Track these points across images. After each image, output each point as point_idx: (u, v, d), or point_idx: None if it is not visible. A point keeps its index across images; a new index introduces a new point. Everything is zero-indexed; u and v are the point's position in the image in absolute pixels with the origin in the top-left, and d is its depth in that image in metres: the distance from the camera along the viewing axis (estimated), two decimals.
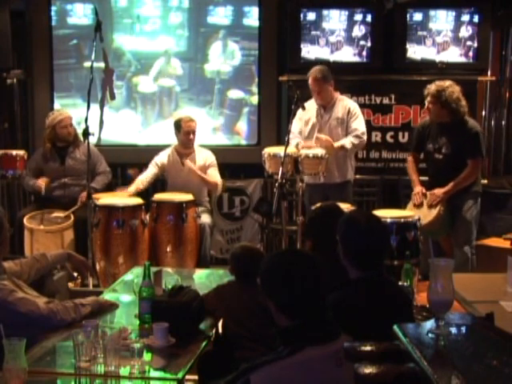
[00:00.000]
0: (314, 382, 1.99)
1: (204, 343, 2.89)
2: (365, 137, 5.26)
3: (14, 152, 5.30)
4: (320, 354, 2.02)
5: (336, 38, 6.15)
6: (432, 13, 6.12)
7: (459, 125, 4.90)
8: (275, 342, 2.13)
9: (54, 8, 6.41)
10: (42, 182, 5.42)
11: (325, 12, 6.15)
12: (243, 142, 6.58)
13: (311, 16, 6.16)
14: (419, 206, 4.98)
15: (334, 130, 5.26)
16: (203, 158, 5.57)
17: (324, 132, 5.25)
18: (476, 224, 5.05)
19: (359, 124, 5.26)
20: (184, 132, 5.48)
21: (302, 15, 6.15)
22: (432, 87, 4.90)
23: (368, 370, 2.07)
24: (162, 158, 5.61)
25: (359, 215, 2.96)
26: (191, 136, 5.50)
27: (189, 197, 5.29)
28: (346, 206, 4.45)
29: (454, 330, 2.19)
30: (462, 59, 6.13)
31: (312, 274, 2.11)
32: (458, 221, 4.97)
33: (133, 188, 5.46)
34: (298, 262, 2.15)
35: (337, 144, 5.14)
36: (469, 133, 4.89)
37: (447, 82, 4.92)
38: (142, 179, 5.53)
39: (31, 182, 5.50)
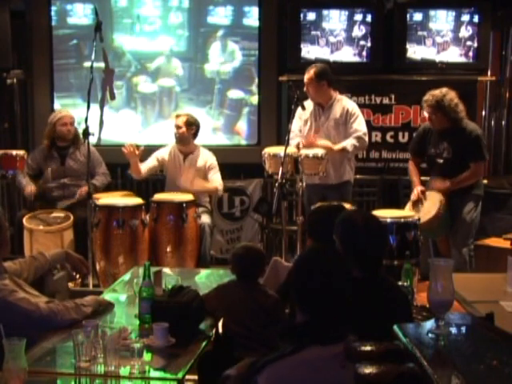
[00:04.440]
0: (317, 382, 1.99)
1: (204, 343, 2.89)
2: (366, 137, 5.23)
3: (14, 152, 5.29)
4: (322, 354, 2.01)
5: (336, 38, 6.15)
6: (432, 13, 6.12)
7: (459, 129, 4.91)
8: (280, 340, 2.13)
9: (53, 8, 6.41)
10: (31, 191, 5.41)
11: (325, 12, 6.15)
12: (243, 142, 6.58)
13: (311, 16, 6.16)
14: (416, 202, 4.99)
15: (331, 131, 5.24)
16: (204, 159, 5.56)
17: (321, 133, 5.23)
18: (475, 227, 5.04)
19: (360, 125, 5.21)
20: (174, 127, 5.49)
21: (302, 15, 6.15)
22: (429, 98, 4.89)
23: (368, 370, 2.07)
24: (162, 153, 5.60)
25: (357, 215, 2.96)
26: (179, 130, 5.46)
27: (189, 197, 5.29)
28: (345, 206, 4.44)
29: (454, 330, 2.20)
30: (462, 59, 6.13)
31: (332, 273, 2.11)
32: (458, 222, 4.97)
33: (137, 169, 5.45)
34: (323, 260, 2.15)
35: (337, 147, 5.12)
36: (469, 136, 4.89)
37: (443, 90, 4.91)
38: (143, 167, 5.50)
39: (23, 181, 5.48)
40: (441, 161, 4.98)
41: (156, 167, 5.61)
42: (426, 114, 5.02)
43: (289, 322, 2.17)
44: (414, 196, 5.04)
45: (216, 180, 5.51)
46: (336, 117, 5.25)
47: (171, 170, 5.60)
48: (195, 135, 5.54)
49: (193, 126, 5.50)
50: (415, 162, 5.21)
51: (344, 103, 5.30)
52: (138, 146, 5.39)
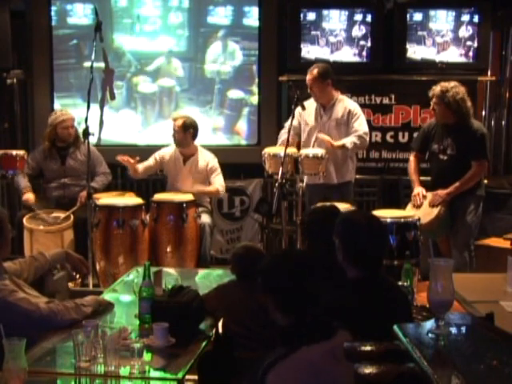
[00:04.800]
0: (315, 380, 2.00)
1: (204, 343, 2.89)
2: (367, 137, 5.22)
3: (14, 152, 5.29)
4: (317, 351, 2.03)
5: (336, 38, 6.15)
6: (432, 13, 6.12)
7: (464, 126, 4.88)
8: (275, 342, 2.14)
9: (53, 8, 6.41)
10: (31, 199, 5.40)
11: (325, 12, 6.15)
12: (243, 142, 6.58)
13: (311, 16, 6.16)
14: (418, 206, 4.98)
15: (333, 131, 5.23)
16: (205, 160, 5.55)
17: (323, 133, 5.24)
18: (476, 228, 5.01)
19: (361, 124, 5.20)
20: (172, 129, 5.49)
21: (302, 15, 6.15)
22: (437, 88, 4.89)
23: (368, 370, 2.07)
24: (163, 153, 5.60)
25: (359, 215, 2.97)
26: (175, 135, 5.46)
27: (189, 197, 5.29)
28: (345, 206, 4.45)
29: (453, 330, 2.20)
30: (462, 59, 6.13)
31: (309, 274, 2.16)
32: (458, 223, 4.95)
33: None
34: (300, 261, 2.22)
35: (337, 143, 5.11)
36: (474, 134, 4.87)
37: (452, 83, 4.90)
38: (141, 167, 5.53)
39: (22, 183, 5.47)
40: (444, 157, 4.95)
41: (153, 167, 5.61)
42: (431, 105, 5.00)
43: (276, 326, 2.18)
44: (416, 202, 5.00)
45: (217, 182, 5.50)
46: (338, 117, 5.25)
47: (171, 172, 5.60)
48: (194, 137, 5.52)
49: (190, 129, 5.46)
50: (417, 158, 5.18)
51: (346, 103, 5.30)
52: (132, 156, 5.43)
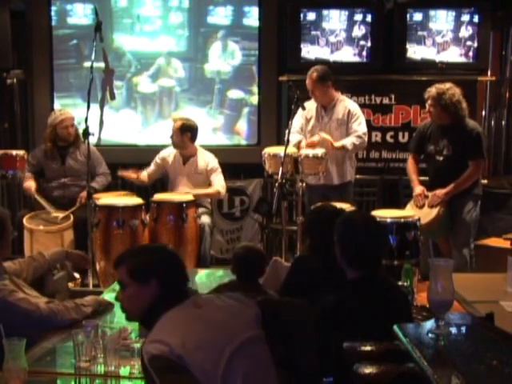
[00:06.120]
0: (178, 320, 2.10)
1: None
2: (366, 137, 5.24)
3: (14, 152, 5.30)
4: (173, 310, 2.14)
5: (336, 38, 6.15)
6: (432, 13, 6.12)
7: (460, 126, 4.89)
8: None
9: (53, 8, 6.41)
10: (32, 186, 5.41)
11: (325, 12, 6.15)
12: (243, 142, 6.58)
13: (311, 16, 6.16)
14: (421, 207, 4.98)
15: (334, 132, 5.24)
16: (205, 161, 5.55)
17: (324, 133, 5.24)
18: (475, 227, 5.02)
19: (360, 125, 5.22)
20: (171, 130, 5.50)
21: (302, 15, 6.15)
22: (432, 90, 4.90)
23: (368, 370, 2.07)
24: (162, 155, 5.61)
25: (356, 216, 2.98)
26: (173, 137, 5.46)
27: (189, 197, 5.29)
28: (345, 206, 4.45)
29: (453, 330, 2.20)
30: (462, 59, 6.13)
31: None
32: (457, 223, 4.96)
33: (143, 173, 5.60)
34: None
35: (337, 144, 5.12)
36: (470, 134, 4.88)
37: (447, 85, 4.91)
38: (146, 174, 5.60)
39: (26, 176, 5.48)
40: (440, 158, 4.96)
41: (157, 171, 5.65)
42: (427, 106, 5.01)
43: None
44: (418, 203, 4.99)
45: (218, 183, 5.50)
46: (338, 117, 5.26)
47: (172, 172, 5.60)
48: (192, 140, 5.51)
49: (187, 132, 5.44)
50: (415, 160, 5.20)
51: (346, 104, 5.32)
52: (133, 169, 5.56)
